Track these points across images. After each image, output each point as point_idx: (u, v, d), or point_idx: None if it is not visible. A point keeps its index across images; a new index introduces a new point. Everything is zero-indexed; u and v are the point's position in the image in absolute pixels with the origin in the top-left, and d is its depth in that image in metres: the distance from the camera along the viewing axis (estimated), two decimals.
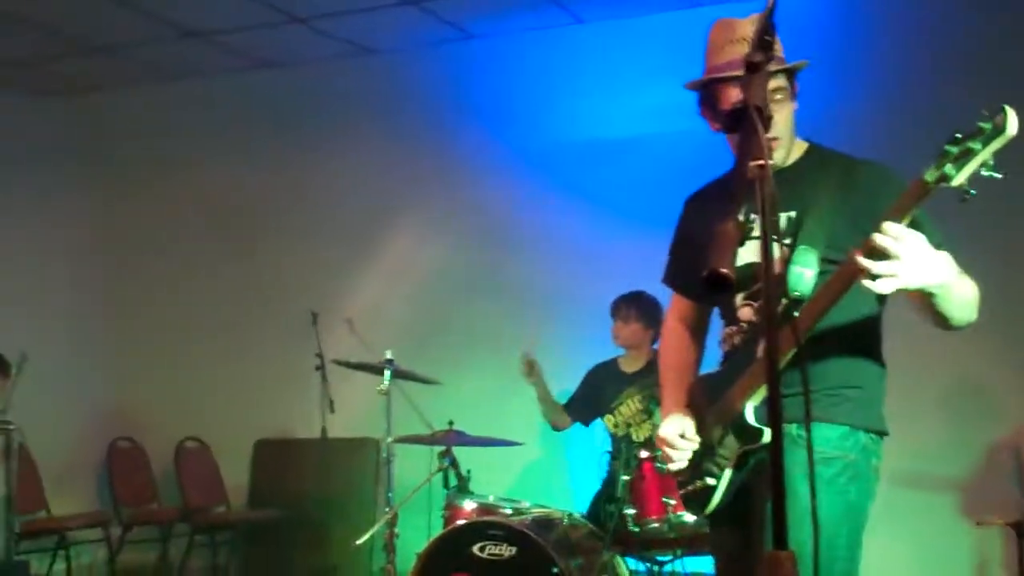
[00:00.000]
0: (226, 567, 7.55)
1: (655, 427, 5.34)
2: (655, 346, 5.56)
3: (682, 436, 2.79)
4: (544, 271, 6.85)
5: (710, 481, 2.73)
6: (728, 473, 2.68)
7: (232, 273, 7.85)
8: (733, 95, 2.57)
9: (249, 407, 7.65)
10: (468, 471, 5.17)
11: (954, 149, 2.15)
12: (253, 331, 7.73)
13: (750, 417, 2.59)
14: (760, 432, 2.56)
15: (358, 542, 5.17)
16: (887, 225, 2.19)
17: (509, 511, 4.88)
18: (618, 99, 6.66)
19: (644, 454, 4.67)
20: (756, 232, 2.51)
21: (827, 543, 2.40)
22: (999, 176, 2.14)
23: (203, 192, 8.01)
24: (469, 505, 4.94)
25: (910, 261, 2.19)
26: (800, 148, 2.77)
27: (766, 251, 1.78)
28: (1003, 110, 2.13)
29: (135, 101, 8.08)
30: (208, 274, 7.94)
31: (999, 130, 2.11)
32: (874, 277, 2.20)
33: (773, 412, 1.81)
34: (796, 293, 2.48)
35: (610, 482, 5.18)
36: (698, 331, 3.09)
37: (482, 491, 5.14)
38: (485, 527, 4.65)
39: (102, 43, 7.06)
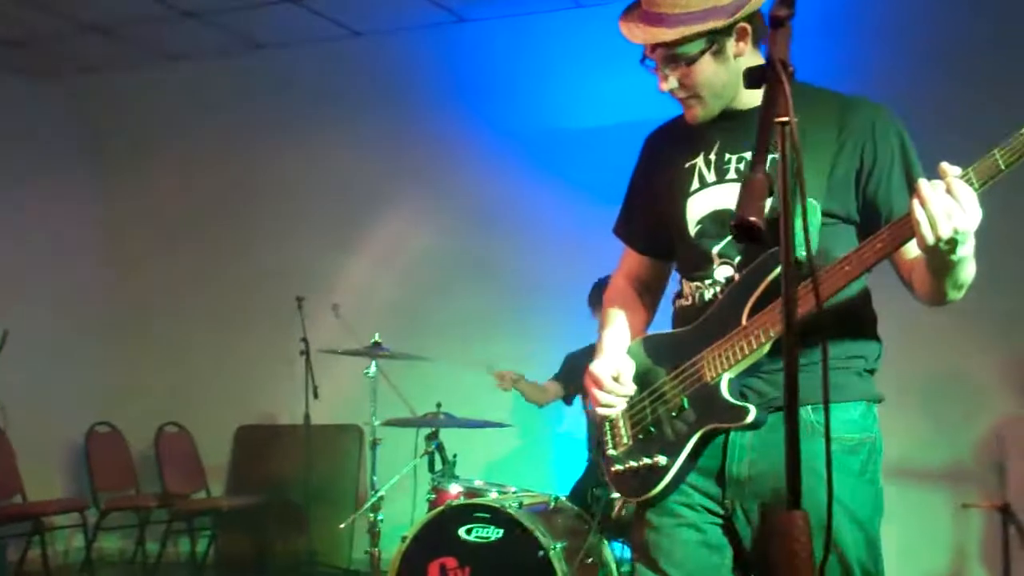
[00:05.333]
0: (205, 554, 7.46)
1: None
2: None
3: (616, 379, 2.37)
4: (532, 256, 6.82)
5: (660, 460, 2.28)
6: (685, 453, 2.25)
7: (217, 258, 7.79)
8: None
9: (232, 393, 7.60)
10: (454, 455, 5.12)
11: None
12: (237, 316, 7.66)
13: (725, 391, 2.21)
14: (743, 411, 2.17)
15: (341, 526, 5.15)
16: (962, 190, 1.87)
17: (495, 494, 4.83)
18: (614, 85, 6.55)
19: None
20: (731, 173, 2.32)
21: (870, 544, 2.25)
22: None
23: (193, 176, 7.95)
24: (455, 489, 4.89)
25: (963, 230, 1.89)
26: None
27: (785, 213, 1.65)
28: None
29: (131, 82, 7.99)
30: (193, 258, 7.88)
31: None
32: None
33: (791, 388, 1.64)
34: (802, 253, 2.12)
35: (597, 466, 5.13)
36: (651, 292, 2.64)
37: (468, 475, 5.09)
38: (471, 510, 4.59)
39: (98, 23, 6.97)
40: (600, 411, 2.39)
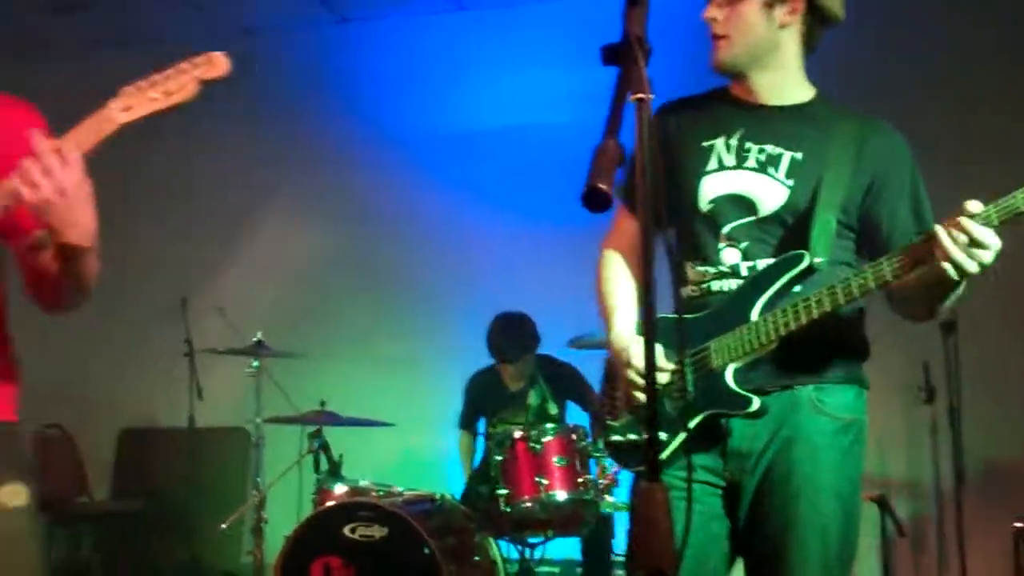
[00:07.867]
0: (88, 560, 7.28)
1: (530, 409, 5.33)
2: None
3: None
4: (417, 257, 6.81)
5: (659, 435, 2.31)
6: (683, 434, 2.37)
7: (101, 256, 7.58)
8: None
9: (114, 395, 7.41)
10: (340, 455, 5.08)
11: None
12: (120, 317, 7.45)
13: (730, 380, 2.34)
14: (747, 400, 2.30)
15: (223, 526, 5.07)
16: (982, 233, 2.07)
17: (381, 493, 4.81)
18: (494, 88, 6.64)
19: (518, 434, 4.64)
20: (750, 162, 2.43)
21: (847, 516, 2.35)
22: None
23: None
24: (340, 489, 4.86)
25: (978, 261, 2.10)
26: (808, 90, 2.51)
27: (643, 186, 1.68)
28: None
29: None
30: None
31: None
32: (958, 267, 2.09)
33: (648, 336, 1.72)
34: (818, 260, 2.31)
35: (484, 463, 5.14)
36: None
37: (355, 476, 5.05)
38: (356, 508, 4.58)
39: None
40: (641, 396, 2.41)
